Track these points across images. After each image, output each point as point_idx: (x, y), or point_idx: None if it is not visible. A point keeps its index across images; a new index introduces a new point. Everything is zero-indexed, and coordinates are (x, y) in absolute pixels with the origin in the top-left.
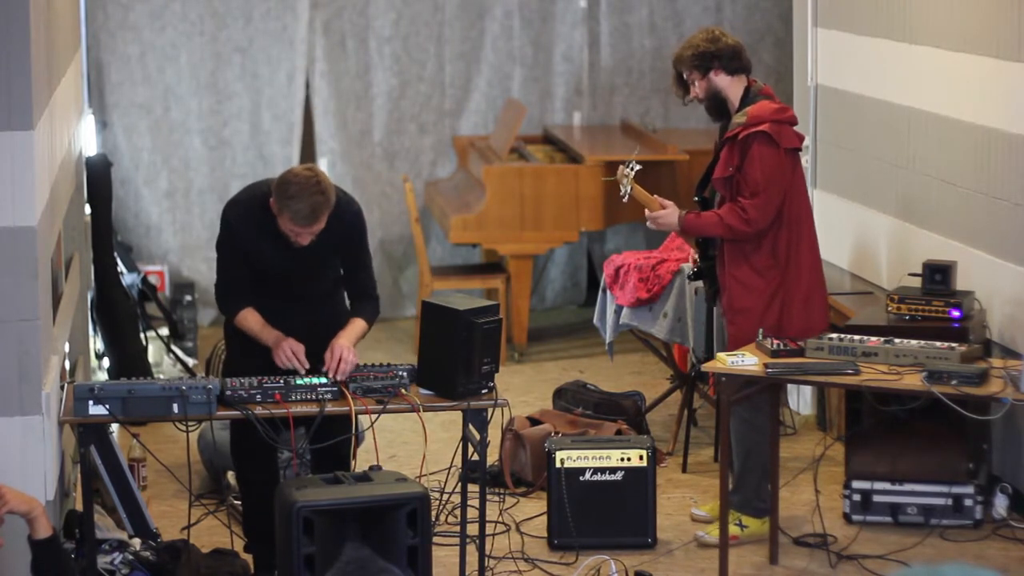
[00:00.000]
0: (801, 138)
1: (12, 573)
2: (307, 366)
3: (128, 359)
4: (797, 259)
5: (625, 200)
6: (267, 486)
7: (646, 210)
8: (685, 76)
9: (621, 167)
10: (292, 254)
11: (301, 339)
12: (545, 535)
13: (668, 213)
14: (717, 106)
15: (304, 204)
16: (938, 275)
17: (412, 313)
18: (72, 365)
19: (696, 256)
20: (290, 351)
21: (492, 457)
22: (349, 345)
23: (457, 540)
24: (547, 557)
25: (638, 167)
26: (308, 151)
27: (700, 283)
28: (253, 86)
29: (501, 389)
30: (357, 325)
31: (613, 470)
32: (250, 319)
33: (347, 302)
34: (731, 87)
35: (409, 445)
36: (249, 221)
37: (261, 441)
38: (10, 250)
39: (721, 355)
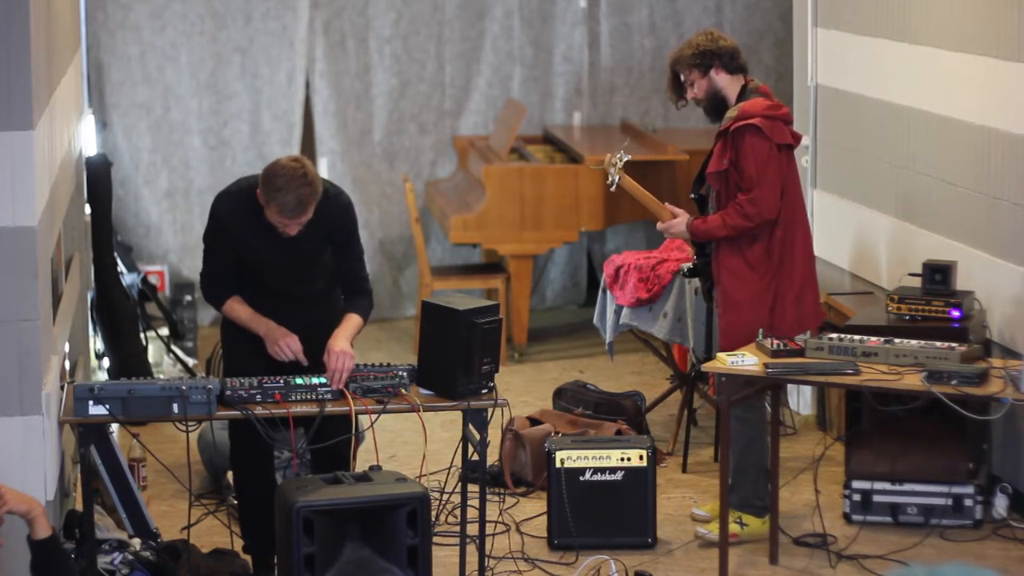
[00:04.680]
0: (797, 137)
1: (12, 573)
2: (305, 361)
3: (128, 359)
4: (791, 256)
5: (612, 189)
6: (264, 489)
7: (658, 223)
8: (683, 77)
9: (609, 155)
10: (282, 247)
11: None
12: (545, 535)
13: (679, 222)
14: (716, 106)
15: (291, 196)
16: (938, 275)
17: (412, 313)
18: (72, 365)
19: (693, 253)
20: (286, 346)
21: (492, 457)
22: (348, 348)
23: (457, 540)
24: (547, 557)
25: (627, 157)
26: (308, 151)
27: (698, 279)
28: (253, 86)
29: (501, 389)
30: (352, 322)
31: (613, 470)
32: (238, 308)
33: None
34: (730, 86)
35: (409, 445)
36: (238, 213)
37: (257, 445)
38: (10, 250)
39: (721, 355)
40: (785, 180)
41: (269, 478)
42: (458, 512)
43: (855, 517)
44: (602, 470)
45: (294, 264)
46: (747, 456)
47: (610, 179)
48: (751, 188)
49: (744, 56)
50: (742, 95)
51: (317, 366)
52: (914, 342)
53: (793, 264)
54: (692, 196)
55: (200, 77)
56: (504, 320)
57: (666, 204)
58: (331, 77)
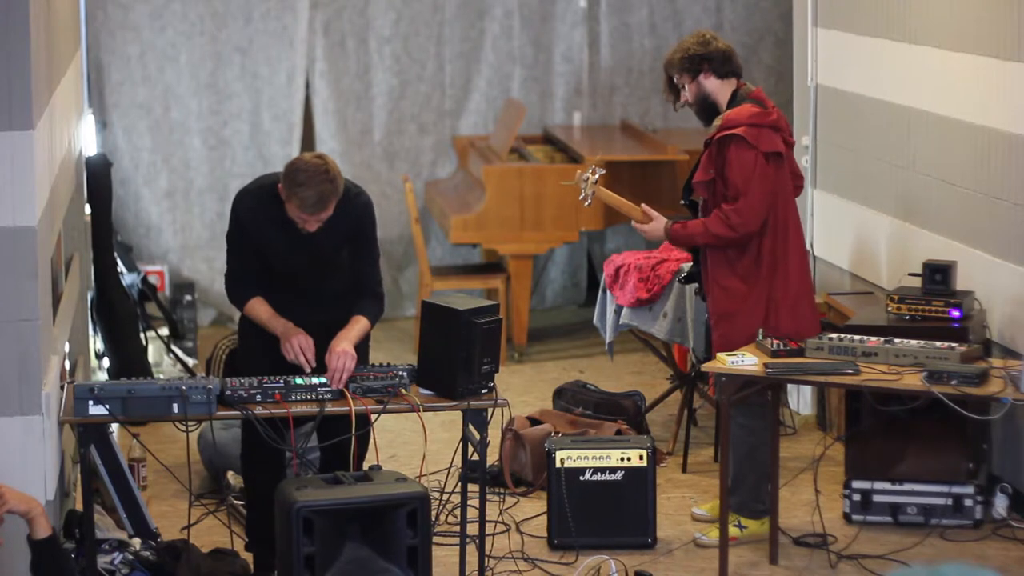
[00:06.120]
0: (790, 144)
1: (12, 573)
2: (313, 364)
3: (128, 359)
4: (784, 264)
5: (587, 205)
6: (273, 490)
7: (632, 221)
8: (675, 79)
9: (579, 171)
10: (301, 245)
11: (314, 339)
12: (545, 535)
13: (654, 226)
14: (706, 110)
15: (312, 192)
16: (938, 275)
17: (412, 313)
18: (72, 365)
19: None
20: (298, 346)
21: (492, 457)
22: (349, 349)
23: (457, 540)
24: (547, 557)
25: (601, 171)
26: (308, 151)
27: (695, 284)
28: (253, 86)
29: (501, 389)
30: (358, 324)
31: (613, 470)
32: (259, 308)
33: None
34: (720, 91)
35: (409, 445)
36: (258, 211)
37: (270, 445)
38: (10, 250)
39: (721, 355)
40: (775, 188)
41: (280, 479)
42: (458, 512)
43: (855, 517)
44: (602, 470)
45: (313, 262)
46: (749, 462)
47: (583, 195)
48: (736, 198)
49: (740, 59)
50: (732, 100)
51: (325, 366)
52: (914, 342)
53: (787, 272)
54: (683, 202)
55: (200, 77)
56: (504, 320)
57: (642, 205)
58: (331, 77)
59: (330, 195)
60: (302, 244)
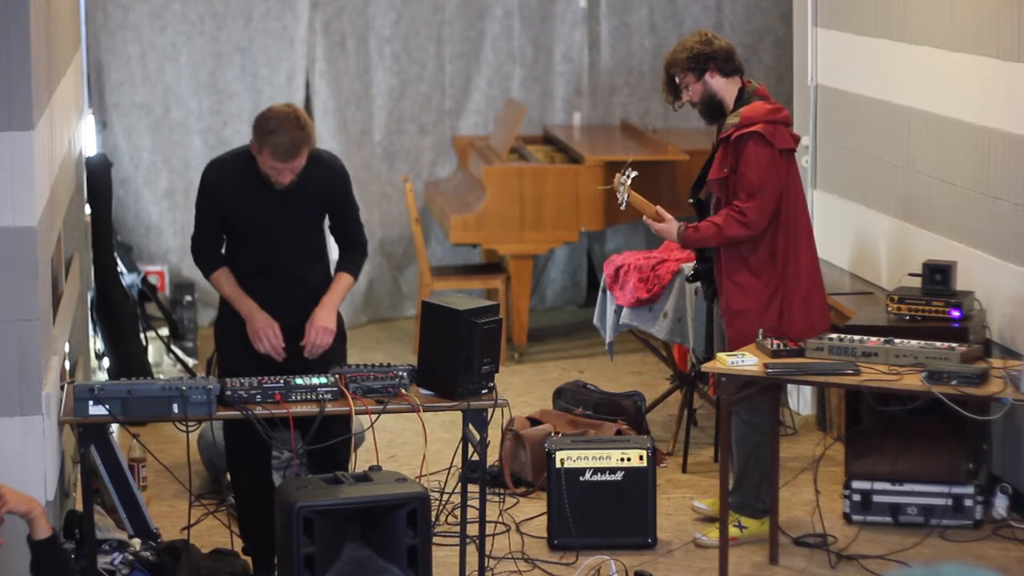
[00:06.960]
0: (796, 139)
1: (12, 573)
2: (284, 355)
3: (128, 359)
4: (795, 260)
5: (623, 208)
6: (261, 491)
7: (644, 216)
8: (678, 79)
9: (617, 175)
10: (274, 207)
11: (291, 330)
12: (545, 535)
13: (667, 228)
14: (712, 108)
15: (284, 138)
16: (938, 275)
17: (412, 313)
18: (72, 365)
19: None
20: (268, 343)
21: (492, 457)
22: (330, 324)
23: (457, 540)
24: (547, 557)
25: (634, 174)
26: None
27: (700, 283)
28: (253, 86)
29: (501, 389)
30: (341, 283)
31: (613, 470)
32: (224, 281)
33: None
34: (726, 89)
35: (409, 445)
36: (228, 176)
37: (255, 446)
38: (10, 250)
39: (721, 355)
40: (786, 184)
41: (266, 480)
42: (458, 512)
43: (855, 517)
44: (602, 470)
45: (285, 227)
46: (753, 460)
47: (620, 198)
48: (752, 195)
49: (741, 56)
50: (740, 98)
51: (300, 355)
52: (914, 342)
53: (798, 268)
54: (690, 200)
55: (200, 77)
56: (504, 320)
57: (657, 207)
58: (331, 77)
59: (301, 141)
60: (275, 207)
